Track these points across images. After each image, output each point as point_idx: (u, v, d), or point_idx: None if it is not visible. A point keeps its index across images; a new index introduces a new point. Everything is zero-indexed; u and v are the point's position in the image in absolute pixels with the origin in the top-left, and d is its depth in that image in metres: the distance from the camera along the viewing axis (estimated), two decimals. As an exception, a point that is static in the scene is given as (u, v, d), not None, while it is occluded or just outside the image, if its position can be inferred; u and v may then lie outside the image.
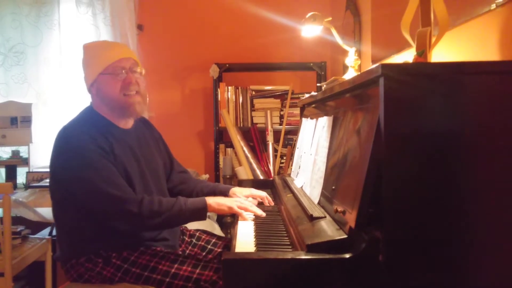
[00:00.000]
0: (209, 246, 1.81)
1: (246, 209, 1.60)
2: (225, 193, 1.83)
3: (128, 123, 1.70)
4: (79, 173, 1.48)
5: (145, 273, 1.50)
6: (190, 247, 1.81)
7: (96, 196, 1.47)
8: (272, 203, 1.83)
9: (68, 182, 1.51)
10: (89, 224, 1.53)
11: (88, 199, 1.49)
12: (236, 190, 1.84)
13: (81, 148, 1.49)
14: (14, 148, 3.35)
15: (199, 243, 1.83)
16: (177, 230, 1.75)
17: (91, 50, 1.66)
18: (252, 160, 3.08)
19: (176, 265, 1.51)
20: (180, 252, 1.70)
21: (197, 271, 1.49)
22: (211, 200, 1.59)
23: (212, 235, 1.89)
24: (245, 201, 1.66)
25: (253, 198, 1.81)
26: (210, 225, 2.61)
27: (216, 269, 1.49)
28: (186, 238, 1.83)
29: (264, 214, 1.61)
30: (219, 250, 1.79)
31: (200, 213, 1.56)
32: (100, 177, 1.46)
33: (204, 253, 1.79)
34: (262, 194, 1.84)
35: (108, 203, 1.47)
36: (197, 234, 1.87)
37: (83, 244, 1.55)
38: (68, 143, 1.54)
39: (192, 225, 1.98)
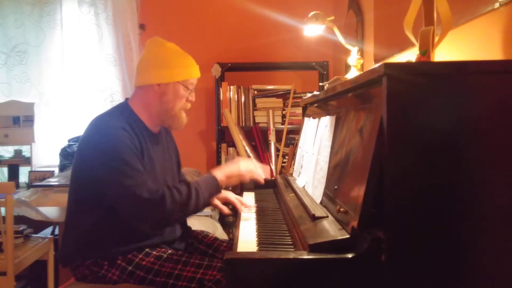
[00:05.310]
0: (210, 251, 1.80)
1: (251, 172, 1.67)
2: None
3: (157, 128, 1.71)
4: (109, 163, 1.44)
5: (149, 276, 1.50)
6: (193, 247, 1.80)
7: (122, 192, 1.44)
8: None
9: (95, 172, 1.46)
10: (102, 228, 1.52)
11: (113, 192, 1.47)
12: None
13: (115, 139, 1.46)
14: (16, 147, 3.36)
15: (200, 246, 1.82)
16: (182, 232, 1.75)
17: (176, 55, 1.66)
18: (254, 160, 3.07)
19: (179, 266, 1.51)
20: (185, 253, 1.69)
21: (201, 270, 1.49)
22: (219, 174, 1.62)
23: (214, 238, 1.88)
24: (250, 164, 1.71)
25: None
26: (212, 225, 2.61)
27: (219, 268, 1.49)
28: (189, 240, 1.83)
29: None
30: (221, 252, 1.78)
31: (214, 186, 1.60)
32: (129, 171, 1.43)
33: (208, 252, 1.79)
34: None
35: (134, 203, 1.45)
36: (200, 236, 1.86)
37: (91, 248, 1.54)
38: (100, 133, 1.51)
39: (195, 226, 1.97)
